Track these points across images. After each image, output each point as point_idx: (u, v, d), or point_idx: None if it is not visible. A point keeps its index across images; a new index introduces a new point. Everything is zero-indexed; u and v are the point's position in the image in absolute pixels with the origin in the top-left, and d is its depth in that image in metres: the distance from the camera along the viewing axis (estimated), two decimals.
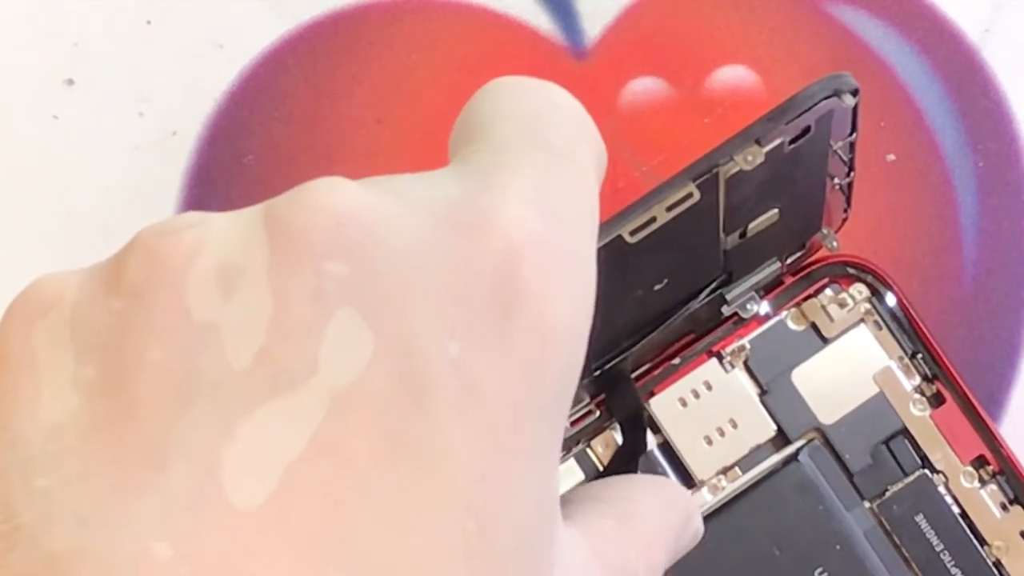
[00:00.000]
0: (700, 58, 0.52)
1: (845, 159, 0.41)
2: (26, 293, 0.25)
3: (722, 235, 0.40)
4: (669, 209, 0.36)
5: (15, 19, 0.53)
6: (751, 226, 0.41)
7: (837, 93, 0.37)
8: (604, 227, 0.33)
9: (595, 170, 0.28)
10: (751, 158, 0.36)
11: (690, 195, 0.36)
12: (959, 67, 0.52)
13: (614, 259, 0.35)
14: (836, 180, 0.42)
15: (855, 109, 0.38)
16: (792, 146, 0.37)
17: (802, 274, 0.46)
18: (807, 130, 0.37)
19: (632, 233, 0.36)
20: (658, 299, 0.41)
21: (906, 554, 0.45)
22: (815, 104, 0.36)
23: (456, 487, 0.23)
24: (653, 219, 0.36)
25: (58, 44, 0.53)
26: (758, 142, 0.36)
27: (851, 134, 0.40)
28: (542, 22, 0.53)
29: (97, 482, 0.23)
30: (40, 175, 0.52)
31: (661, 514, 0.31)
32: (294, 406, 0.23)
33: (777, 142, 0.37)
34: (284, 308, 0.23)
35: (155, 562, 0.22)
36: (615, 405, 0.45)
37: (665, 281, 0.40)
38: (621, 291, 0.39)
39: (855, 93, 0.37)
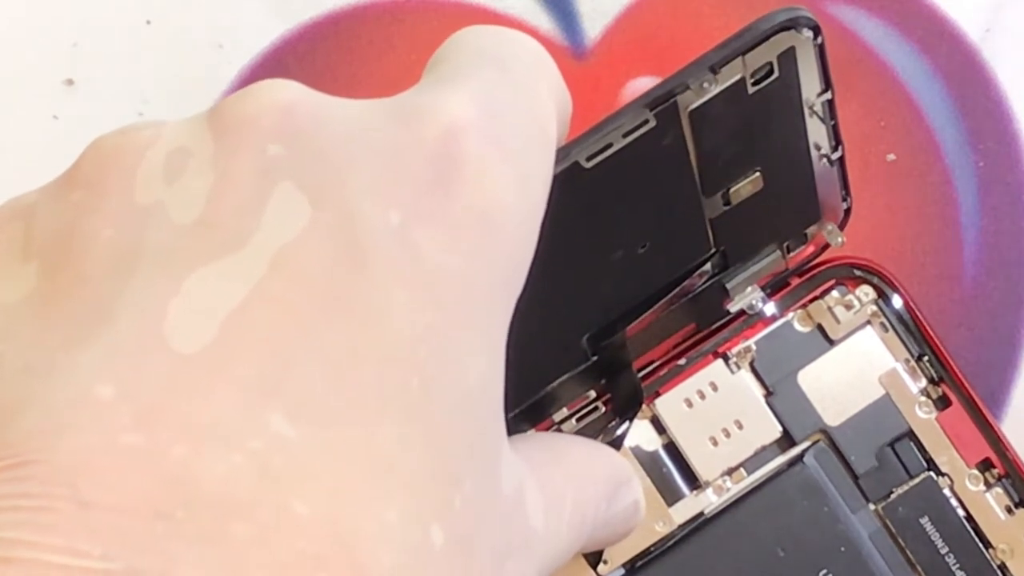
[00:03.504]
0: None
1: (826, 122, 0.40)
2: None
3: (702, 196, 0.40)
4: (625, 135, 0.35)
5: (15, 19, 0.53)
6: (733, 190, 0.40)
7: (793, 24, 0.36)
8: (561, 152, 0.33)
9: (553, 106, 0.29)
10: (707, 85, 0.36)
11: (646, 121, 0.36)
12: (959, 67, 0.52)
13: (575, 190, 0.35)
14: (823, 151, 0.41)
15: (822, 57, 0.38)
16: (756, 88, 0.37)
17: (808, 275, 0.46)
18: (770, 72, 0.37)
19: (588, 159, 0.35)
20: (645, 267, 0.41)
21: (911, 557, 0.45)
22: (771, 33, 0.36)
23: (398, 342, 0.24)
24: (609, 144, 0.35)
25: (58, 44, 0.53)
26: (712, 70, 0.36)
27: (825, 90, 0.39)
28: (542, 22, 0.53)
29: (46, 340, 0.24)
30: (40, 175, 0.52)
31: (590, 459, 0.32)
32: (235, 263, 0.24)
33: (737, 77, 0.36)
34: (227, 184, 0.24)
35: (98, 402, 0.22)
36: (616, 396, 0.45)
37: (648, 244, 0.40)
38: (596, 240, 0.38)
39: (815, 30, 0.37)
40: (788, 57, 0.37)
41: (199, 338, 0.23)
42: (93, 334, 0.23)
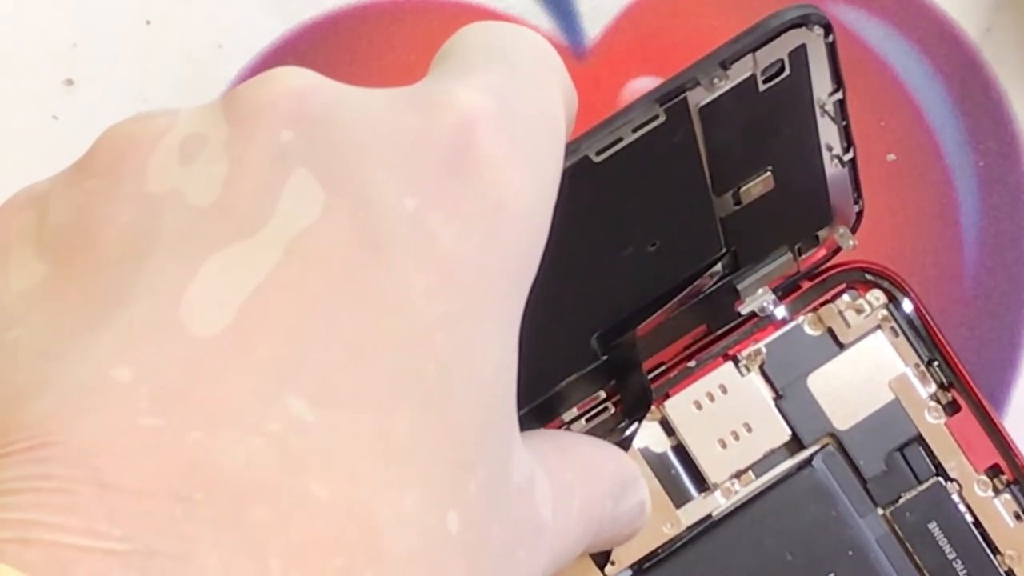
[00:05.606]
0: None
1: (837, 122, 0.40)
2: (8, 200, 0.27)
3: (712, 195, 0.40)
4: (635, 130, 0.36)
5: (15, 19, 0.52)
6: (744, 189, 0.40)
7: (805, 22, 0.36)
8: (571, 146, 0.33)
9: (561, 99, 0.29)
10: (717, 81, 0.36)
11: (656, 116, 0.36)
12: (959, 67, 0.52)
13: (585, 185, 0.35)
14: (834, 152, 0.41)
15: (834, 57, 0.38)
16: (767, 85, 0.37)
17: (819, 279, 0.46)
18: (781, 69, 0.37)
19: (598, 153, 0.35)
20: (656, 266, 0.41)
21: (918, 562, 0.45)
22: (782, 30, 0.36)
23: (415, 328, 0.24)
24: (619, 139, 0.35)
25: (58, 44, 0.52)
26: (723, 65, 0.36)
27: (837, 90, 0.39)
28: (542, 22, 0.53)
29: (62, 324, 0.24)
30: (40, 175, 0.51)
31: (598, 458, 0.33)
32: (251, 249, 0.24)
33: (748, 74, 0.36)
34: (243, 169, 0.25)
35: (116, 384, 0.23)
36: (626, 396, 0.45)
37: (658, 243, 0.39)
38: (606, 237, 0.38)
39: (826, 28, 0.37)
40: (799, 55, 0.37)
41: (216, 322, 0.23)
42: (109, 317, 0.23)
